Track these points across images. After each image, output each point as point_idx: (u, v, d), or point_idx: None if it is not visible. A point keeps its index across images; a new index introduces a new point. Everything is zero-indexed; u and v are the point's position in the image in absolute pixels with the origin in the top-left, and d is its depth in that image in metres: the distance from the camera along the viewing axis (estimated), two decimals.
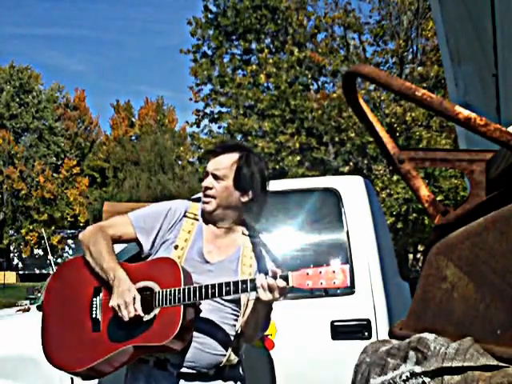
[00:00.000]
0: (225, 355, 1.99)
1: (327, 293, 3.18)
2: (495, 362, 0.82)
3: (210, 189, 2.02)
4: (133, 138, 41.20)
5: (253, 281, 1.82)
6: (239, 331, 2.03)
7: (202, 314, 1.97)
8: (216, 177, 2.02)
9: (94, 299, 2.01)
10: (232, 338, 2.02)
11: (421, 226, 14.34)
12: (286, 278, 1.79)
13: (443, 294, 0.99)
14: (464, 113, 0.94)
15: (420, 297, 1.07)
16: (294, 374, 2.96)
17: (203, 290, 1.86)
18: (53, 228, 36.42)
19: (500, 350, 0.83)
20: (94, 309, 1.99)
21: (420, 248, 17.37)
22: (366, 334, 2.92)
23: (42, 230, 28.87)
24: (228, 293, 1.84)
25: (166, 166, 35.50)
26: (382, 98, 14.23)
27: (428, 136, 13.51)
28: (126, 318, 1.86)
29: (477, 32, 2.92)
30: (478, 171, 1.05)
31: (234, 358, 2.02)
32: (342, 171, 14.18)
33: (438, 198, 11.46)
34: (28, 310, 3.58)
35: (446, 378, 0.84)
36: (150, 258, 2.07)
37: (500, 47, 2.80)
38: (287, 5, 15.89)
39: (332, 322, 2.93)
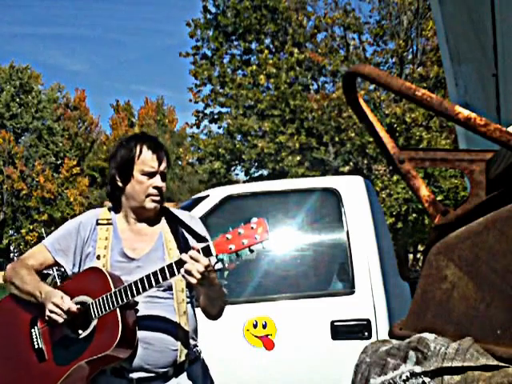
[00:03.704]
0: (177, 350, 1.96)
1: (325, 292, 3.18)
2: (495, 362, 0.82)
3: (161, 188, 2.03)
4: None
5: (178, 261, 1.81)
6: (183, 320, 2.00)
7: (142, 314, 1.95)
8: (164, 174, 2.04)
9: (33, 330, 1.99)
10: (181, 331, 1.99)
11: (421, 226, 14.35)
12: (208, 250, 1.78)
13: (443, 294, 0.99)
14: (464, 113, 0.94)
15: (420, 297, 1.07)
16: (294, 374, 2.96)
17: (133, 286, 1.85)
18: (53, 228, 36.38)
19: (500, 350, 0.83)
20: (35, 339, 1.98)
21: (420, 248, 17.38)
22: (366, 333, 2.92)
23: (42, 230, 28.85)
24: (157, 281, 1.83)
25: None
26: (382, 98, 14.24)
27: (428, 137, 13.53)
28: (61, 320, 1.86)
29: (477, 32, 2.92)
30: (477, 171, 1.05)
31: (187, 352, 1.99)
32: (342, 171, 14.19)
33: (438, 198, 11.46)
34: None
35: (446, 377, 0.84)
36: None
37: (500, 47, 2.80)
38: (287, 5, 15.89)
39: (332, 322, 2.93)
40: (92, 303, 1.89)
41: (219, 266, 1.99)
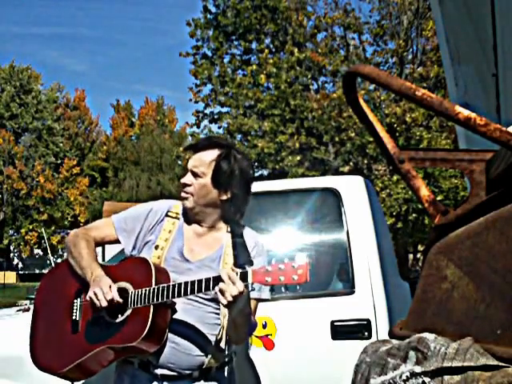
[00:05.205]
0: (204, 356, 1.96)
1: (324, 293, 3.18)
2: (495, 362, 0.82)
3: (189, 185, 2.01)
4: (133, 138, 41.19)
5: (216, 279, 1.79)
6: (221, 333, 1.99)
7: (178, 315, 1.95)
8: (194, 174, 2.01)
9: (75, 301, 2.04)
10: (213, 339, 1.98)
11: (421, 226, 14.34)
12: (245, 275, 1.77)
13: (443, 294, 0.99)
14: (464, 113, 0.93)
15: (420, 297, 1.07)
16: (294, 374, 2.96)
17: (170, 289, 1.86)
18: (53, 228, 36.43)
19: (500, 350, 0.83)
20: (75, 310, 2.03)
21: (420, 248, 17.38)
22: (366, 334, 2.92)
23: (42, 229, 28.88)
24: (192, 291, 1.83)
25: (165, 166, 35.49)
26: (382, 98, 14.23)
27: (428, 137, 13.53)
28: (104, 304, 1.87)
29: (477, 32, 2.92)
30: (477, 171, 1.05)
31: (217, 359, 1.98)
32: (342, 171, 14.18)
33: (438, 198, 11.45)
34: (28, 309, 3.58)
35: (446, 378, 0.84)
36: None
37: (500, 47, 2.80)
38: (287, 5, 15.89)
39: (332, 322, 2.93)
40: (131, 293, 1.91)
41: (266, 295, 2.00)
